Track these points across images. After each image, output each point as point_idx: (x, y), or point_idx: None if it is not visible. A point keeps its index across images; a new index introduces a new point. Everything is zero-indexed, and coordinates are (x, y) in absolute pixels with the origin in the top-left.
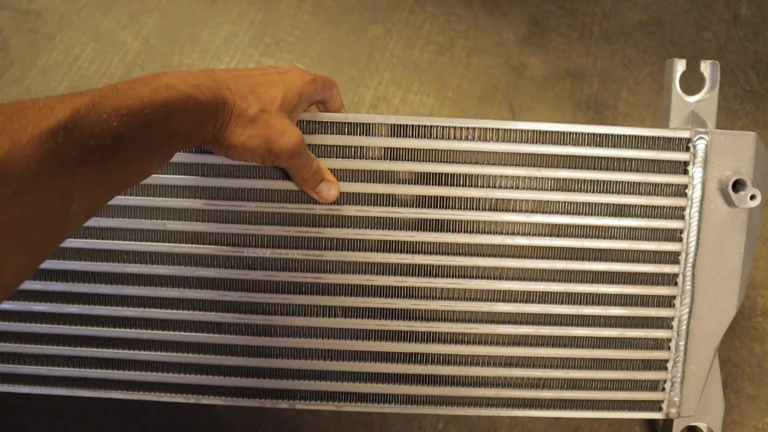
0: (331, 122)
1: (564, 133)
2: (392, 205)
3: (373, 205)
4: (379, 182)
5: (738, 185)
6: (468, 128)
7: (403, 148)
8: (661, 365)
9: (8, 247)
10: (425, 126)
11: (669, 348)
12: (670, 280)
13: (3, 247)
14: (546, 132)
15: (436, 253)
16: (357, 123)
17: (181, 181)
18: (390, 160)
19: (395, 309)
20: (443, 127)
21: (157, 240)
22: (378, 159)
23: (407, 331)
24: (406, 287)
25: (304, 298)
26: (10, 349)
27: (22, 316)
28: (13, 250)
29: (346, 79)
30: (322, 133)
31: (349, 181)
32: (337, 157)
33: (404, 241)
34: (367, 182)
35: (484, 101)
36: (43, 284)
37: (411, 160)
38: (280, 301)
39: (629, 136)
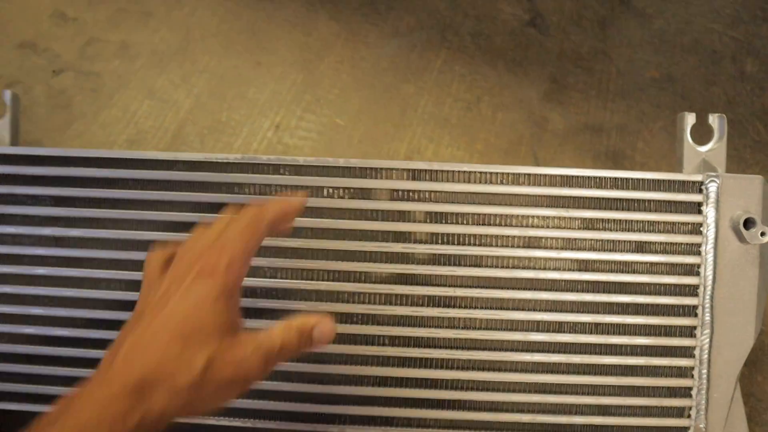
0: (381, 168)
1: (589, 177)
2: (435, 243)
3: (419, 243)
4: (425, 222)
5: (749, 223)
6: (503, 173)
7: (443, 192)
8: (685, 393)
9: None
10: (464, 172)
11: (692, 376)
12: (691, 311)
13: None
14: (573, 177)
15: (476, 287)
16: (403, 169)
17: None
18: (432, 202)
19: (438, 338)
20: (481, 172)
21: None
22: (422, 201)
23: (449, 359)
24: (449, 318)
25: (355, 327)
26: (70, 374)
27: (88, 342)
28: None
29: (382, 133)
30: (386, 178)
31: (399, 222)
32: (389, 200)
33: (447, 275)
34: (413, 222)
35: (510, 153)
36: (113, 314)
37: (451, 202)
38: None
39: (648, 179)
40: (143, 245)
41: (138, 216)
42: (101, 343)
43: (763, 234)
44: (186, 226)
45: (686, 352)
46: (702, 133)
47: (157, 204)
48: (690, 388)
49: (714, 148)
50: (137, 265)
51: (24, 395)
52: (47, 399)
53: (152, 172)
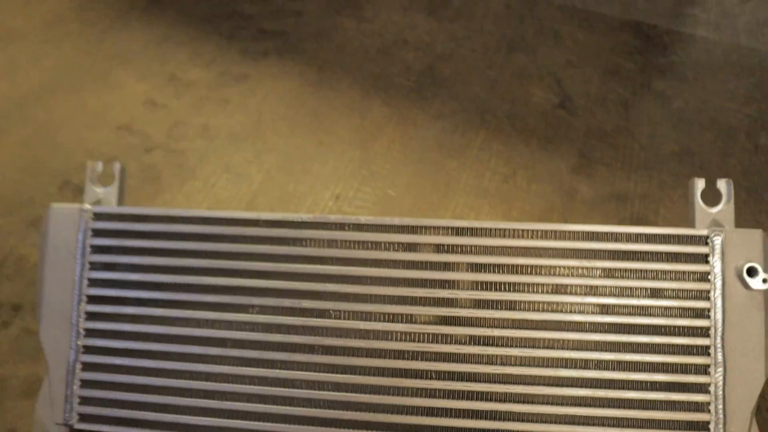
0: (429, 226)
1: (608, 233)
2: (476, 290)
3: (462, 289)
4: (467, 272)
5: (751, 271)
6: (534, 230)
7: (482, 246)
8: (704, 426)
9: None
10: (500, 228)
11: (709, 411)
12: (704, 351)
13: None
14: (594, 232)
15: (512, 328)
16: (448, 227)
17: (316, 270)
18: (473, 254)
19: (479, 373)
20: (514, 229)
21: (294, 315)
22: (464, 253)
23: (488, 392)
24: (488, 355)
25: (405, 363)
26: (162, 401)
27: (179, 374)
28: None
29: (428, 203)
30: (433, 234)
31: (444, 271)
32: (436, 253)
33: (486, 318)
34: (456, 271)
35: (542, 220)
36: (202, 349)
37: (490, 254)
38: (387, 365)
39: (659, 234)
40: (230, 290)
41: (225, 265)
42: (190, 375)
43: (765, 281)
44: (264, 275)
45: (702, 388)
46: (714, 198)
47: (241, 255)
48: (708, 422)
49: (723, 209)
50: (223, 308)
51: (121, 419)
52: (141, 423)
53: (238, 228)
